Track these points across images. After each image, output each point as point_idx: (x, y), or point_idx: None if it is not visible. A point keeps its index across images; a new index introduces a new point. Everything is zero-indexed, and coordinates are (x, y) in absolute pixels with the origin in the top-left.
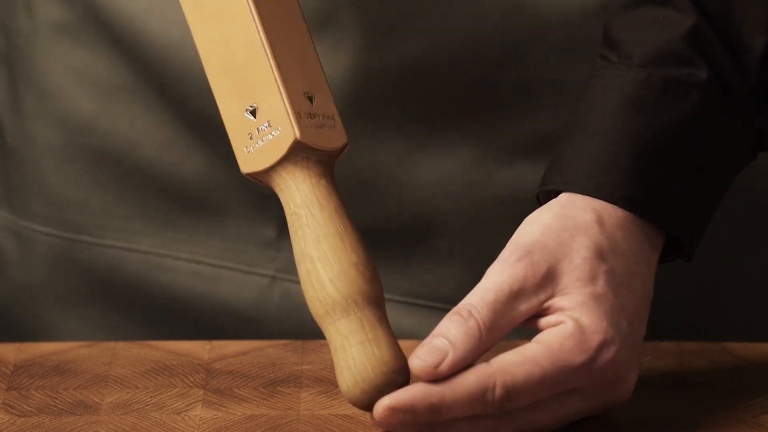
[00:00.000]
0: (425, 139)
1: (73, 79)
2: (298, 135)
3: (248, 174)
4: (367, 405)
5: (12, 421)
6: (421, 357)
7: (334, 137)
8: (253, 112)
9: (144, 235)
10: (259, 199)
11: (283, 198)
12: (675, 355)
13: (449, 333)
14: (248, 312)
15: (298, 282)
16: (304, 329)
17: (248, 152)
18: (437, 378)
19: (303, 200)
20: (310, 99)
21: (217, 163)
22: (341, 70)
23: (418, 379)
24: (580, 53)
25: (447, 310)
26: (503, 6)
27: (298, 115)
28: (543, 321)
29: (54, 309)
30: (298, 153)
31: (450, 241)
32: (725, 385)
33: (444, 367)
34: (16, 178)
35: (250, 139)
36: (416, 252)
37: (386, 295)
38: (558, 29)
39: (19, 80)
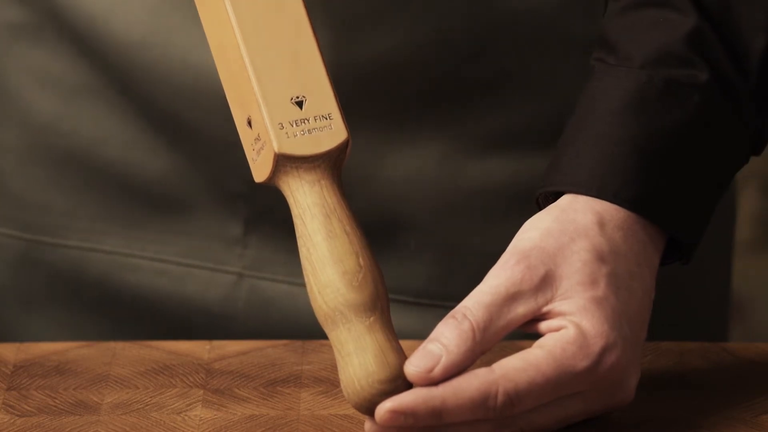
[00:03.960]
0: (394, 135)
1: (33, 79)
2: (276, 149)
3: (259, 183)
4: (367, 412)
5: (12, 421)
6: (414, 363)
7: (329, 137)
8: (250, 123)
9: (109, 235)
10: (226, 197)
11: (290, 205)
12: (675, 355)
13: (443, 337)
14: (216, 310)
15: (265, 279)
16: (273, 326)
17: (254, 162)
18: (432, 382)
19: (298, 209)
20: (300, 103)
21: (182, 161)
22: None
23: (415, 384)
24: (549, 47)
25: (417, 304)
26: (471, 1)
27: (279, 127)
28: (544, 325)
29: (18, 311)
30: (285, 164)
31: (419, 236)
32: (725, 385)
33: (437, 371)
34: None
35: (253, 149)
36: (386, 246)
37: None
38: (527, 23)
39: None
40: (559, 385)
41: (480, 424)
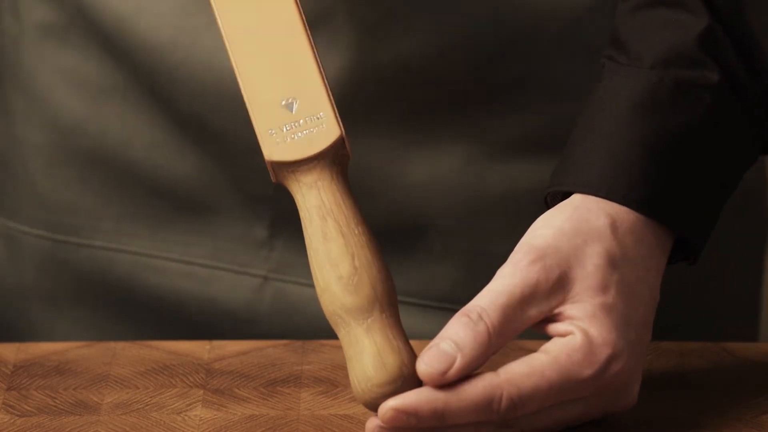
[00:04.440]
0: (418, 138)
1: (61, 80)
2: (266, 156)
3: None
4: (375, 410)
5: (12, 421)
6: (428, 362)
7: (321, 137)
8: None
9: (135, 236)
10: (251, 199)
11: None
12: (675, 355)
13: (457, 336)
14: (241, 312)
15: (290, 282)
16: (298, 329)
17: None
18: (444, 383)
19: (302, 213)
20: (290, 106)
21: (208, 163)
22: (333, 70)
23: (426, 383)
24: (573, 50)
25: (441, 309)
26: (496, 4)
27: (269, 133)
28: (551, 328)
29: (44, 310)
30: (282, 169)
31: (443, 240)
32: (725, 385)
33: (452, 373)
34: (5, 181)
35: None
36: (410, 251)
37: None
38: (551, 26)
39: (6, 82)
40: (562, 391)
41: (482, 426)
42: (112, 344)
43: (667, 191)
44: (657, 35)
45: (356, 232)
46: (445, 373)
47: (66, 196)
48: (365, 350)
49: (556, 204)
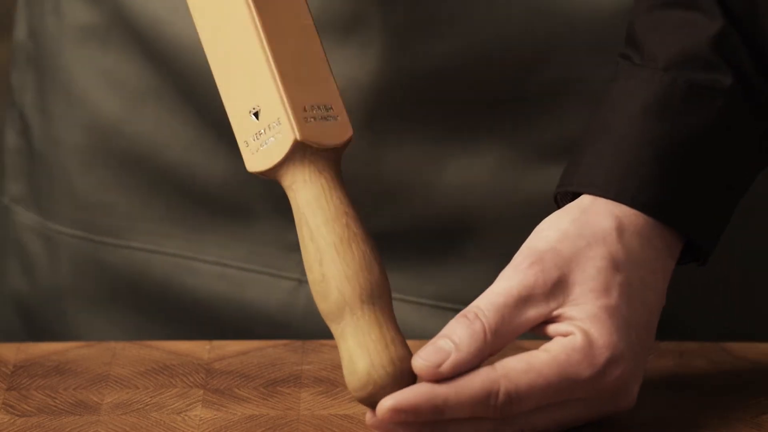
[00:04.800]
0: (453, 142)
1: (100, 81)
2: (248, 168)
3: None
4: (369, 405)
5: (12, 421)
6: (423, 356)
7: (280, 145)
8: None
9: (171, 238)
10: (285, 203)
11: None
12: (675, 355)
13: (454, 334)
14: (275, 315)
15: None
16: (331, 332)
17: None
18: (439, 378)
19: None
20: (256, 114)
21: (242, 167)
22: (368, 73)
23: (421, 378)
24: (609, 55)
25: None
26: (531, 8)
27: (244, 146)
28: (552, 328)
29: (82, 311)
30: (266, 178)
31: (478, 245)
32: (725, 385)
33: (446, 367)
34: (43, 181)
35: None
36: (444, 255)
37: (413, 299)
38: (586, 31)
39: (47, 83)
40: (560, 390)
41: (481, 423)
42: (112, 344)
43: (676, 194)
44: (671, 36)
45: (324, 232)
46: (438, 365)
47: (103, 197)
48: (342, 356)
49: (566, 203)
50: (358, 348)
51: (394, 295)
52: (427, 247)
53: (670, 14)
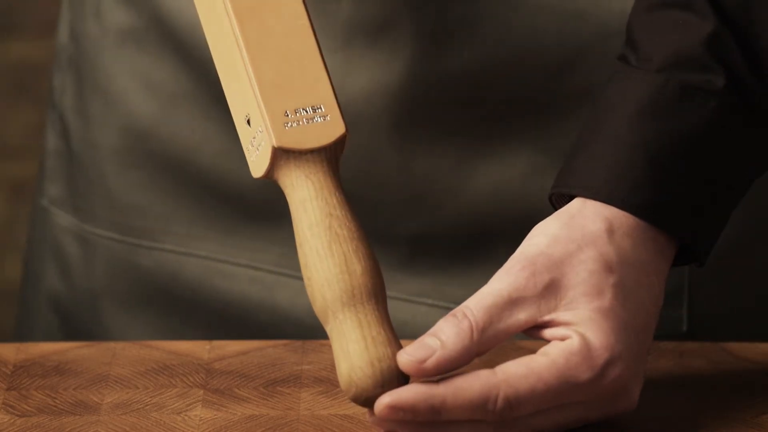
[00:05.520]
0: (483, 147)
1: (137, 84)
2: (252, 173)
3: None
4: (361, 405)
5: (12, 421)
6: (409, 352)
7: (265, 151)
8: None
9: (205, 241)
10: None
11: None
12: (675, 355)
13: (441, 332)
14: (305, 319)
15: None
16: None
17: None
18: (423, 373)
19: None
20: (249, 121)
21: None
22: (398, 77)
23: (406, 373)
24: None
25: None
26: (563, 14)
27: (247, 153)
28: (548, 332)
29: (116, 313)
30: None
31: (508, 249)
32: (725, 385)
33: (430, 363)
34: (80, 183)
35: None
36: (475, 260)
37: (442, 303)
38: (617, 37)
39: (86, 85)
40: (560, 394)
41: (480, 425)
42: (111, 344)
43: (668, 196)
44: (666, 37)
45: (308, 235)
46: (423, 361)
47: (138, 200)
48: (335, 353)
49: (562, 204)
50: (340, 351)
51: (422, 299)
52: (457, 252)
53: (666, 15)
